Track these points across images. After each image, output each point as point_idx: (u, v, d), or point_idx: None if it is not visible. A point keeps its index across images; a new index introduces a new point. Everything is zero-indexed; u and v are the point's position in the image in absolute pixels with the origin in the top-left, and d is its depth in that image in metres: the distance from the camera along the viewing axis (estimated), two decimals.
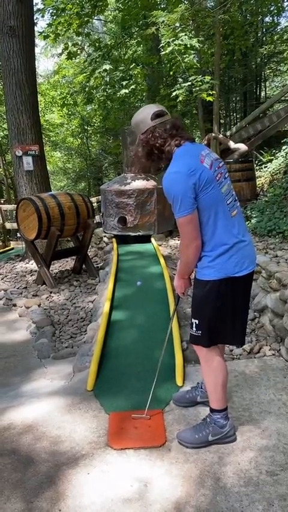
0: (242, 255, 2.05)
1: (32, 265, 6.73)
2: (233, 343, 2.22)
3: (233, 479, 1.99)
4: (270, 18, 12.01)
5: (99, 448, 2.25)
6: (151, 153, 2.08)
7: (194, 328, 2.17)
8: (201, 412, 2.47)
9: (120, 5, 10.33)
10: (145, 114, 2.06)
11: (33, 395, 2.87)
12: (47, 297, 5.23)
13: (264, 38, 13.74)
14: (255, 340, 3.39)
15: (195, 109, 11.73)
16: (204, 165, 1.95)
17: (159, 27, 6.34)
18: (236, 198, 2.11)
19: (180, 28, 6.27)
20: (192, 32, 7.31)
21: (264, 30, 13.81)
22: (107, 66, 7.12)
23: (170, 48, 5.99)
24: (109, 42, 10.38)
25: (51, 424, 2.48)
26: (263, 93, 16.18)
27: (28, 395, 2.88)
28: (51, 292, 5.39)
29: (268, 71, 15.47)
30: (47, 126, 17.74)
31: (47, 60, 29.00)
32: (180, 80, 11.16)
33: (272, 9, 10.86)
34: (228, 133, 9.03)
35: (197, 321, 2.15)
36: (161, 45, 6.45)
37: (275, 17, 12.36)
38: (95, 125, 17.61)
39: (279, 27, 13.03)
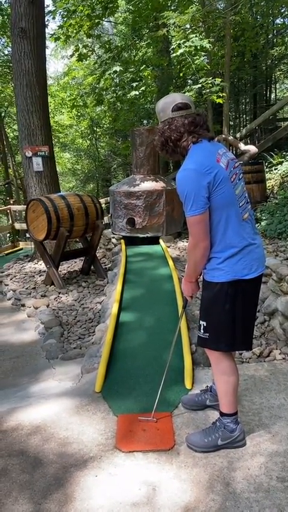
0: (252, 257, 2.03)
1: (41, 265, 6.75)
2: (240, 347, 2.18)
3: (243, 484, 1.96)
4: (281, 20, 11.94)
5: (107, 451, 2.23)
6: (165, 144, 2.04)
7: (202, 330, 2.15)
8: (211, 415, 2.44)
9: (130, 7, 10.35)
10: (167, 104, 2.01)
11: (41, 396, 2.86)
12: (56, 298, 5.24)
13: (275, 40, 13.67)
14: (265, 344, 3.35)
15: (204, 111, 11.70)
16: (221, 164, 1.92)
17: (169, 28, 6.34)
18: (248, 201, 2.09)
19: (190, 30, 6.26)
20: (203, 33, 7.29)
21: (275, 32, 13.75)
22: (117, 68, 7.12)
23: (181, 50, 5.98)
24: (119, 44, 10.40)
25: (60, 425, 2.47)
26: (273, 95, 16.12)
27: (36, 396, 2.88)
28: (59, 293, 5.40)
29: (278, 73, 15.40)
30: (57, 128, 17.83)
31: (56, 62, 29.16)
32: (189, 81, 11.16)
33: (283, 10, 10.81)
34: (238, 135, 8.99)
35: (204, 323, 2.13)
36: (172, 46, 6.43)
37: (286, 19, 12.29)
38: (104, 126, 17.65)
39: None
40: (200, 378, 2.85)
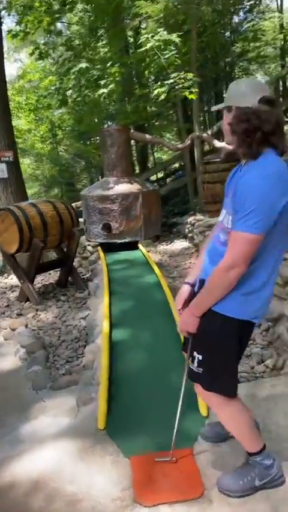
0: (267, 301, 1.74)
1: (12, 280, 6.25)
2: (231, 392, 1.80)
3: None
4: (242, 17, 11.95)
5: (126, 506, 1.87)
6: (251, 133, 1.55)
7: (196, 364, 1.80)
8: (236, 447, 2.10)
9: (87, 7, 9.96)
10: (253, 89, 1.59)
11: (35, 440, 2.44)
12: (34, 316, 4.79)
13: (232, 38, 13.65)
14: (275, 354, 3.09)
15: (170, 109, 11.50)
16: None
17: (141, 20, 6.05)
18: None
19: (158, 23, 5.99)
20: (164, 30, 7.01)
21: (231, 29, 13.73)
22: (84, 65, 6.75)
23: (150, 44, 5.71)
24: (78, 43, 9.99)
25: (63, 477, 2.08)
26: None
27: (29, 440, 2.46)
28: (37, 310, 4.94)
29: (236, 70, 15.42)
30: (15, 133, 17.09)
31: (9, 65, 28.12)
32: (151, 79, 10.87)
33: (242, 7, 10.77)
34: (209, 131, 8.80)
35: (200, 357, 1.78)
36: (140, 41, 6.14)
37: (243, 16, 12.34)
38: (67, 128, 17.11)
39: (246, 25, 12.96)
40: None
